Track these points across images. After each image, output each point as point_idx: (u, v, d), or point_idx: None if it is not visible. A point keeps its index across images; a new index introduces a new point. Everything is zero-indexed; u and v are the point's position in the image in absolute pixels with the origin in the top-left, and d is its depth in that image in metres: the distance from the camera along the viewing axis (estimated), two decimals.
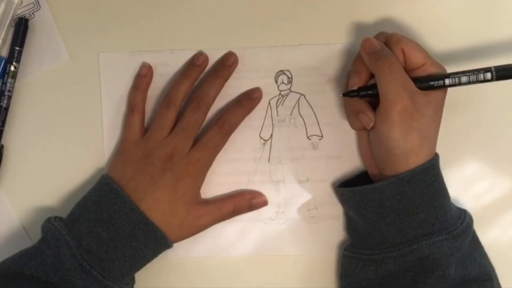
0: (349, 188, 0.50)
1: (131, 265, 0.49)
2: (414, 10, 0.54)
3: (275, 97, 0.55)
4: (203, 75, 0.54)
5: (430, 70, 0.48)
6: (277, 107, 0.54)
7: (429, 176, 0.47)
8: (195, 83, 0.54)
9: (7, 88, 0.53)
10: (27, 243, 0.54)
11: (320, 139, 0.54)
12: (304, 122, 0.55)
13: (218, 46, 0.54)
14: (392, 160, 0.47)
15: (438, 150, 0.53)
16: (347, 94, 0.50)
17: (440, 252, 0.47)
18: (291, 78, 0.54)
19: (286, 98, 0.55)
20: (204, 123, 0.53)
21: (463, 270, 0.48)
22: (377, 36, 0.51)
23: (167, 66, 0.54)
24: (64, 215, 0.51)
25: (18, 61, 0.53)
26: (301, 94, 0.55)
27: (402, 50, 0.48)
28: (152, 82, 0.55)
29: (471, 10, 0.54)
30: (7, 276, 0.48)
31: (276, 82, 0.55)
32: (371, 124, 0.48)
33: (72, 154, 0.55)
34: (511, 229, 0.54)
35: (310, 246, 0.55)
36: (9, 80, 0.53)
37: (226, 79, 0.53)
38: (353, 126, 0.51)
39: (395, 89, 0.46)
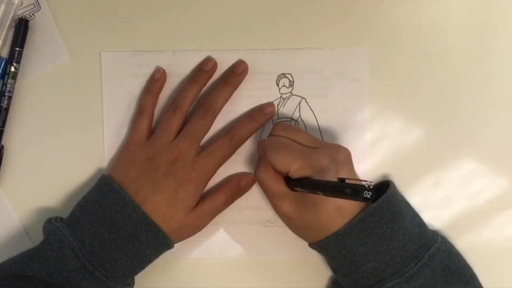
0: (311, 247, 0.53)
1: (133, 265, 0.52)
2: (416, 12, 0.56)
3: (276, 100, 0.56)
4: (211, 81, 0.56)
5: (294, 175, 0.49)
6: (278, 110, 0.56)
7: (367, 224, 0.48)
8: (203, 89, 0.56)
9: (7, 88, 0.55)
10: (27, 243, 0.56)
11: None
12: (305, 126, 0.56)
13: (220, 47, 0.56)
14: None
15: (435, 150, 0.54)
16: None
17: None
18: (293, 82, 0.55)
19: (287, 101, 0.56)
20: (212, 132, 0.55)
21: None
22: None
23: (169, 66, 0.56)
24: (64, 215, 0.54)
25: (18, 62, 0.55)
26: (302, 98, 0.56)
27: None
28: None
29: (471, 10, 0.56)
30: (7, 277, 0.50)
31: (278, 85, 0.56)
32: None
33: (72, 154, 0.57)
34: (506, 229, 0.56)
35: (308, 250, 0.56)
36: (9, 80, 0.55)
37: (235, 87, 0.55)
38: None
39: (269, 199, 0.52)
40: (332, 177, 0.46)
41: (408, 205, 0.53)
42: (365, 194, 0.40)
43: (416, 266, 0.48)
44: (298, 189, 0.49)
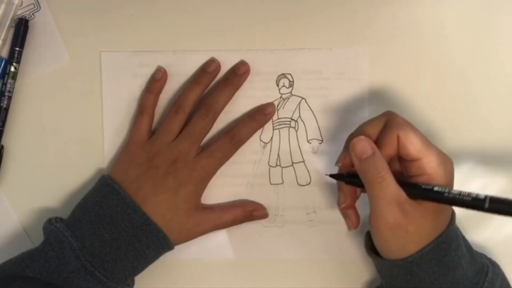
0: (370, 254, 0.51)
1: (133, 266, 0.52)
2: (416, 12, 0.56)
3: (276, 100, 0.56)
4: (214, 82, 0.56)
5: (427, 169, 0.45)
6: (277, 110, 0.56)
7: (438, 253, 0.46)
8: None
9: (7, 88, 0.55)
10: (27, 244, 0.56)
11: (320, 143, 0.56)
12: (305, 126, 0.56)
13: (220, 47, 0.56)
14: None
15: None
16: (334, 175, 0.51)
17: None
18: (293, 82, 0.55)
19: (287, 101, 0.56)
20: (212, 133, 0.55)
21: None
22: (378, 118, 0.49)
23: (169, 66, 0.56)
24: (64, 215, 0.54)
25: (18, 62, 0.55)
26: (302, 98, 0.56)
27: (398, 137, 0.46)
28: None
29: (471, 10, 0.56)
30: (7, 278, 0.50)
31: (277, 85, 0.56)
32: (352, 229, 0.52)
33: (72, 154, 0.57)
34: (505, 229, 0.56)
35: (308, 250, 0.57)
36: (9, 80, 0.55)
37: (237, 88, 0.55)
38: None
39: (384, 205, 0.45)
40: (450, 185, 0.45)
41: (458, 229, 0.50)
42: None
43: None
44: (433, 198, 0.45)
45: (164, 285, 0.57)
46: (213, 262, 0.57)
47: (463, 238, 0.50)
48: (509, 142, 0.56)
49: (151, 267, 0.53)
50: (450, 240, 0.47)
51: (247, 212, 0.55)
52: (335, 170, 0.54)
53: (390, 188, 0.45)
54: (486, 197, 0.42)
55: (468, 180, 0.56)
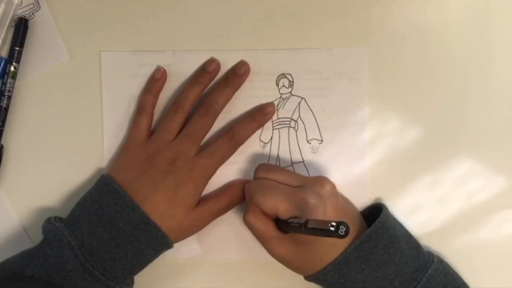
0: (307, 279, 0.53)
1: (132, 265, 0.52)
2: (415, 12, 0.56)
3: (276, 100, 0.56)
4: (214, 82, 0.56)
5: (284, 216, 0.49)
6: (277, 110, 0.56)
7: (363, 251, 0.49)
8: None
9: (7, 88, 0.55)
10: (26, 243, 0.56)
11: (320, 143, 0.56)
12: (304, 126, 0.56)
13: (220, 47, 0.56)
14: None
15: (434, 149, 0.55)
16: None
17: None
18: (292, 82, 0.55)
19: (287, 101, 0.56)
20: (212, 132, 0.55)
21: None
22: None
23: (168, 66, 0.56)
24: (64, 215, 0.54)
25: (18, 61, 0.56)
26: (302, 98, 0.56)
27: None
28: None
29: (471, 10, 0.56)
30: (6, 277, 0.50)
31: (277, 85, 0.56)
32: None
33: (72, 154, 0.57)
34: (503, 228, 0.56)
35: None
36: (9, 80, 0.55)
37: (237, 88, 0.55)
38: None
39: (258, 239, 0.52)
40: (321, 213, 0.48)
41: (402, 227, 0.53)
42: (340, 230, 0.42)
43: None
44: (288, 230, 0.49)
45: (164, 285, 0.57)
46: (213, 262, 0.57)
47: (409, 236, 0.53)
48: (509, 142, 0.56)
49: (151, 267, 0.53)
50: (376, 239, 0.49)
51: (239, 190, 0.55)
52: (334, 170, 0.56)
53: (258, 230, 0.51)
54: (305, 221, 0.46)
55: (467, 180, 0.56)
